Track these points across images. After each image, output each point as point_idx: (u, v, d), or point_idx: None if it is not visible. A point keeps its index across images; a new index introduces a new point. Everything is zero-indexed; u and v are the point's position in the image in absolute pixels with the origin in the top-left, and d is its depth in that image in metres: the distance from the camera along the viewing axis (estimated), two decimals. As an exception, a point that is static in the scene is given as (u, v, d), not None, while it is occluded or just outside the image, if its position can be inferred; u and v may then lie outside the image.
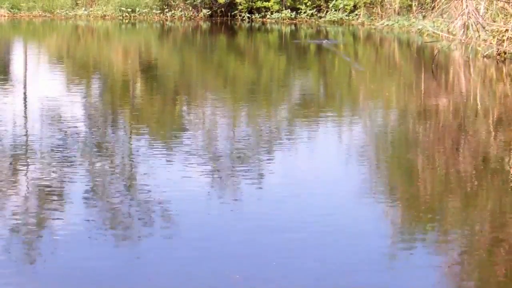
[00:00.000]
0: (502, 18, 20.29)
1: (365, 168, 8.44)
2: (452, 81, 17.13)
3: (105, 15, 35.56)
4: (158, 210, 6.55)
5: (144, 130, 10.34)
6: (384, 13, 34.09)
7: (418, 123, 11.37)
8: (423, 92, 15.03)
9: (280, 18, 35.92)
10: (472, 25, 20.53)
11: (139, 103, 13.08)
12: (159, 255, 5.50)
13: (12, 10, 36.02)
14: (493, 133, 10.61)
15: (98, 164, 8.16)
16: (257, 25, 34.08)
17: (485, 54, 19.77)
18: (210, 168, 8.11)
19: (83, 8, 36.01)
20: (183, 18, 35.54)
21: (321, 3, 36.25)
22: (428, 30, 25.95)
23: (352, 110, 13.05)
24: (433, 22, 26.37)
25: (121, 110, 12.22)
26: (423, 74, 17.82)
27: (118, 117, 11.47)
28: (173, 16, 35.61)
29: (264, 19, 36.00)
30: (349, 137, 10.34)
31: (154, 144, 9.38)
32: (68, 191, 7.07)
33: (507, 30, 19.30)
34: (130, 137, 9.77)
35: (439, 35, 24.56)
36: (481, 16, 20.42)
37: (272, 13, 36.07)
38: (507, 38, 19.29)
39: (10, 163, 8.15)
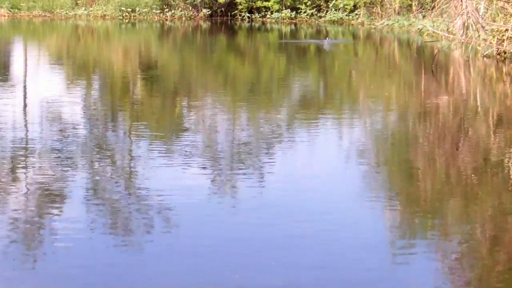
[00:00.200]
0: (502, 17, 20.30)
1: (365, 168, 8.44)
2: (452, 81, 17.14)
3: (105, 15, 35.59)
4: (158, 210, 6.55)
5: (144, 130, 10.34)
6: (384, 13, 34.14)
7: (418, 123, 11.37)
8: (423, 91, 15.03)
9: (280, 17, 35.95)
10: (472, 24, 20.54)
11: (139, 103, 13.08)
12: (159, 255, 5.50)
13: (12, 10, 36.05)
14: (493, 133, 10.61)
15: (98, 164, 8.16)
16: (257, 25, 34.10)
17: (485, 53, 19.78)
18: (210, 168, 8.11)
19: (83, 8, 36.04)
20: (183, 18, 35.57)
21: (321, 3, 36.29)
22: (428, 30, 25.96)
23: (352, 110, 13.04)
24: (433, 21, 26.38)
25: (121, 110, 12.22)
26: (423, 74, 17.82)
27: (118, 117, 11.47)
28: (173, 16, 35.64)
29: (264, 19, 36.04)
30: (349, 137, 10.33)
31: (154, 144, 9.38)
32: (68, 191, 7.07)
33: (507, 29, 19.31)
34: (130, 137, 9.77)
35: (439, 34, 24.56)
36: (481, 15, 20.42)
37: (272, 13, 36.10)
38: (507, 38, 19.29)
39: (10, 163, 8.15)
